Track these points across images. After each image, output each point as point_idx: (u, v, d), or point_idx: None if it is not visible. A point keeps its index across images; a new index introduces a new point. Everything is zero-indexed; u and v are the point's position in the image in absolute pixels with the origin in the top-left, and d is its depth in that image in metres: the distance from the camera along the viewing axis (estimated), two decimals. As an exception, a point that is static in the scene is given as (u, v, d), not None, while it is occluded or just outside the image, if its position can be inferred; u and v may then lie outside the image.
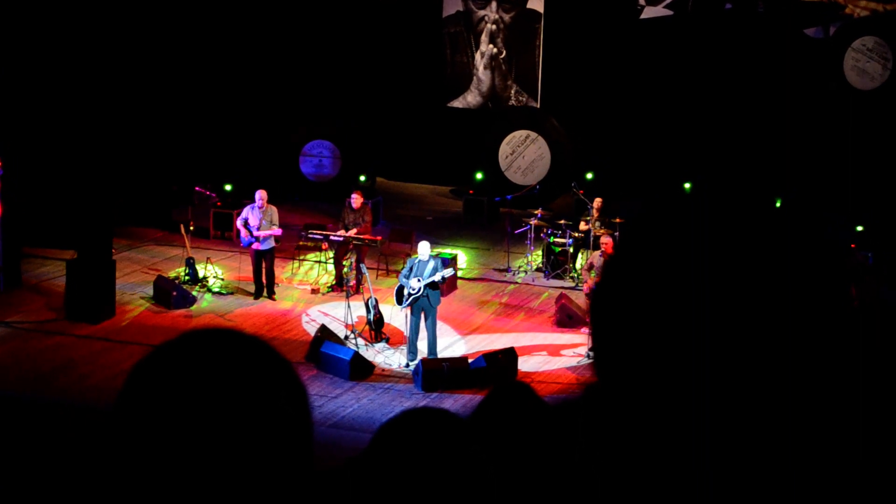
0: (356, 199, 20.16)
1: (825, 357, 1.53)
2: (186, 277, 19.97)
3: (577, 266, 21.13)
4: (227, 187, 23.73)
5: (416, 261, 17.00)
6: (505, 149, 26.64)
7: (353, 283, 19.20)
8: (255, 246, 19.30)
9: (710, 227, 1.59)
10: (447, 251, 21.62)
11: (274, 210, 19.47)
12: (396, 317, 17.96)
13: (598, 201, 21.16)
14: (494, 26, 27.44)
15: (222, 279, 20.34)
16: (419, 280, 16.72)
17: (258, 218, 19.28)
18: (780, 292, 1.53)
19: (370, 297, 17.84)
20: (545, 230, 21.41)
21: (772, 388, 1.52)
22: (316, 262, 21.40)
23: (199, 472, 1.73)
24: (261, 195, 19.43)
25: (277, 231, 19.39)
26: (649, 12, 25.96)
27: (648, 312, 1.55)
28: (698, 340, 1.52)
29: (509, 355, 16.56)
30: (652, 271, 1.57)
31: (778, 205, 1.66)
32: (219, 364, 1.80)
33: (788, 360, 1.52)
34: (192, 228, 20.78)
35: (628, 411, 1.58)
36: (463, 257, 22.31)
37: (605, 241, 18.03)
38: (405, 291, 16.84)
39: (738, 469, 1.54)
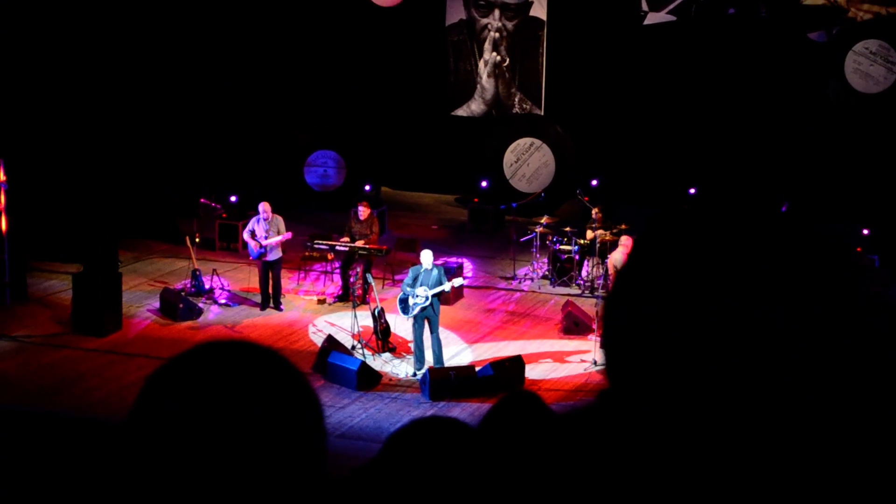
0: (363, 211, 20.16)
1: (840, 359, 1.53)
2: (193, 289, 20.00)
3: (583, 273, 21.13)
4: (232, 199, 23.76)
5: (421, 270, 16.99)
6: (509, 156, 26.66)
7: (359, 292, 19.21)
8: (263, 257, 19.35)
9: (722, 233, 1.58)
10: (453, 260, 21.61)
11: (280, 219, 19.51)
12: (403, 326, 17.96)
13: (596, 211, 21.06)
14: (497, 34, 27.46)
15: (228, 290, 20.38)
16: (426, 289, 16.71)
17: (265, 229, 19.31)
18: (795, 296, 1.53)
19: (376, 306, 17.85)
20: (551, 238, 21.39)
21: (790, 394, 1.52)
22: (322, 272, 21.41)
23: (214, 484, 1.73)
24: (264, 207, 19.47)
25: (287, 235, 19.42)
26: (652, 18, 25.97)
27: (662, 319, 1.55)
28: (713, 346, 1.52)
29: (516, 363, 16.56)
30: (665, 278, 1.57)
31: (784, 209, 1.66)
32: (233, 375, 1.80)
33: (805, 365, 1.51)
34: (197, 240, 20.79)
35: (642, 417, 1.57)
36: (469, 265, 22.30)
37: (626, 242, 18.01)
38: (411, 301, 16.83)
39: (751, 472, 1.53)
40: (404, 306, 16.97)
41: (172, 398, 1.77)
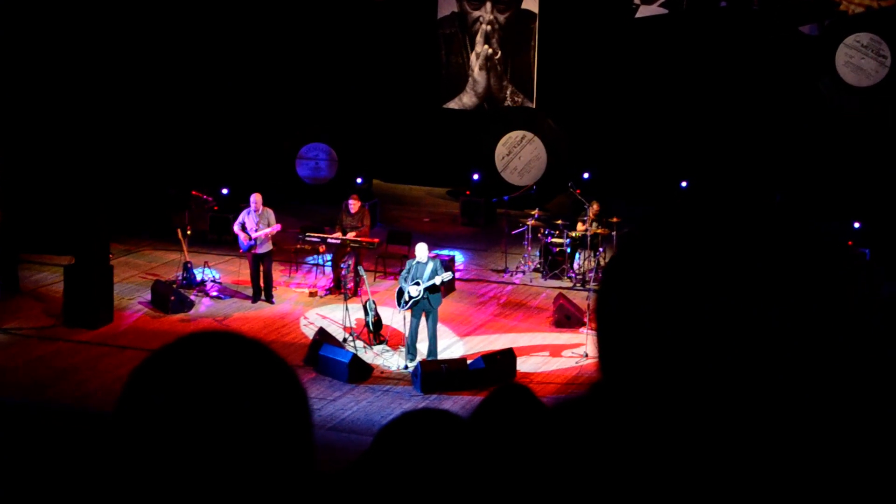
0: (353, 204, 20.15)
1: (834, 357, 1.53)
2: (184, 281, 19.98)
3: (575, 266, 21.15)
4: (224, 191, 23.74)
5: (415, 263, 16.99)
6: (501, 149, 26.65)
7: (350, 285, 19.21)
8: (253, 249, 19.34)
9: (717, 231, 1.59)
10: (445, 252, 21.62)
11: (270, 212, 19.49)
12: (395, 319, 17.96)
13: (595, 206, 21.01)
14: (489, 27, 27.44)
15: (220, 283, 20.37)
16: (418, 283, 16.71)
17: (255, 221, 19.29)
18: (790, 294, 1.53)
19: (368, 299, 17.84)
20: (542, 230, 21.39)
21: (784, 391, 1.52)
22: (314, 265, 21.41)
23: (199, 476, 1.73)
24: (255, 199, 19.45)
25: (277, 227, 19.41)
26: (644, 11, 25.97)
27: (657, 317, 1.55)
28: (707, 343, 1.53)
29: (508, 356, 16.56)
30: (660, 275, 1.57)
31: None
32: (218, 367, 1.79)
33: (799, 363, 1.52)
34: (189, 233, 20.77)
35: (635, 411, 1.58)
36: (460, 258, 22.30)
37: None
38: (405, 295, 16.83)
39: (743, 470, 1.54)
40: (399, 299, 16.99)
41: (157, 391, 1.77)
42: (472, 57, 27.67)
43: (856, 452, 1.59)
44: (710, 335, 1.52)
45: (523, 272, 21.50)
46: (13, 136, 21.39)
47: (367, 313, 17.82)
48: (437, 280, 16.83)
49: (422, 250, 17.11)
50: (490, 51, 27.53)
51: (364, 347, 17.58)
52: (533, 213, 21.99)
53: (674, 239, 1.60)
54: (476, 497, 1.94)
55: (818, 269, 1.56)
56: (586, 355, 17.18)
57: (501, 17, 27.32)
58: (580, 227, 21.07)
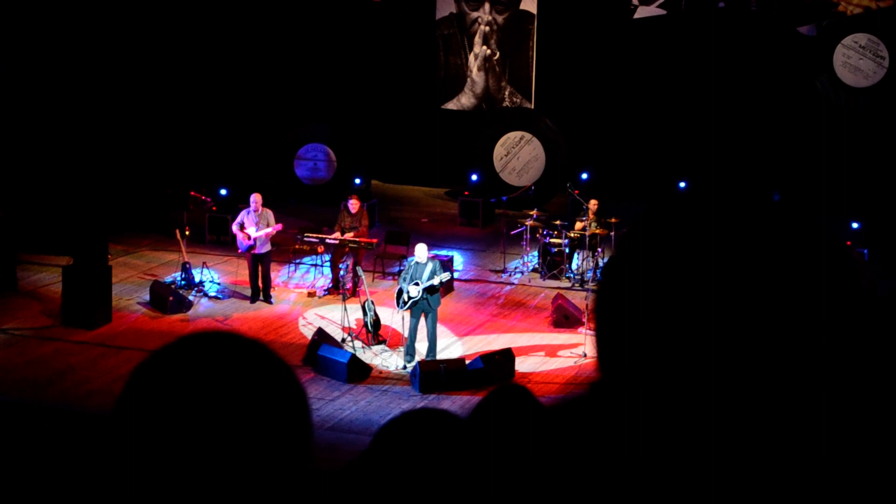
0: (353, 204, 20.13)
1: (829, 352, 1.53)
2: (182, 282, 19.97)
3: (573, 266, 21.15)
4: (223, 192, 23.72)
5: (414, 263, 16.99)
6: (499, 150, 26.64)
7: (349, 285, 19.20)
8: (253, 250, 19.33)
9: (714, 225, 1.59)
10: (443, 252, 21.61)
11: (270, 213, 19.47)
12: (394, 319, 17.96)
13: (593, 203, 21.08)
14: (488, 28, 27.44)
15: (218, 283, 20.36)
16: (417, 284, 16.71)
17: (254, 222, 19.28)
18: (790, 292, 1.53)
19: (367, 299, 17.84)
20: (541, 231, 21.38)
21: (779, 384, 1.52)
22: (312, 265, 21.40)
23: (198, 476, 1.73)
24: (255, 199, 19.43)
25: (278, 226, 19.39)
26: (642, 12, 25.97)
27: (656, 314, 1.56)
28: (707, 340, 1.53)
29: (506, 356, 16.56)
30: (659, 273, 1.57)
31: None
32: (218, 367, 1.80)
33: (799, 362, 1.52)
34: (187, 233, 20.75)
35: (635, 410, 1.58)
36: (459, 259, 22.29)
37: None
38: (404, 295, 16.83)
39: (743, 465, 1.54)
40: (398, 299, 17.00)
41: (157, 391, 1.77)
42: (471, 58, 27.67)
43: (855, 450, 1.59)
44: (708, 333, 1.52)
45: (522, 272, 21.50)
46: (12, 136, 21.39)
47: (365, 313, 17.81)
48: (436, 281, 16.83)
49: (421, 251, 17.11)
50: (488, 51, 27.52)
51: (363, 347, 17.58)
52: (531, 213, 21.99)
53: (671, 238, 1.60)
54: (475, 497, 1.94)
55: (816, 266, 1.56)
56: (585, 355, 17.18)
57: (500, 18, 27.32)
58: (579, 225, 21.06)
